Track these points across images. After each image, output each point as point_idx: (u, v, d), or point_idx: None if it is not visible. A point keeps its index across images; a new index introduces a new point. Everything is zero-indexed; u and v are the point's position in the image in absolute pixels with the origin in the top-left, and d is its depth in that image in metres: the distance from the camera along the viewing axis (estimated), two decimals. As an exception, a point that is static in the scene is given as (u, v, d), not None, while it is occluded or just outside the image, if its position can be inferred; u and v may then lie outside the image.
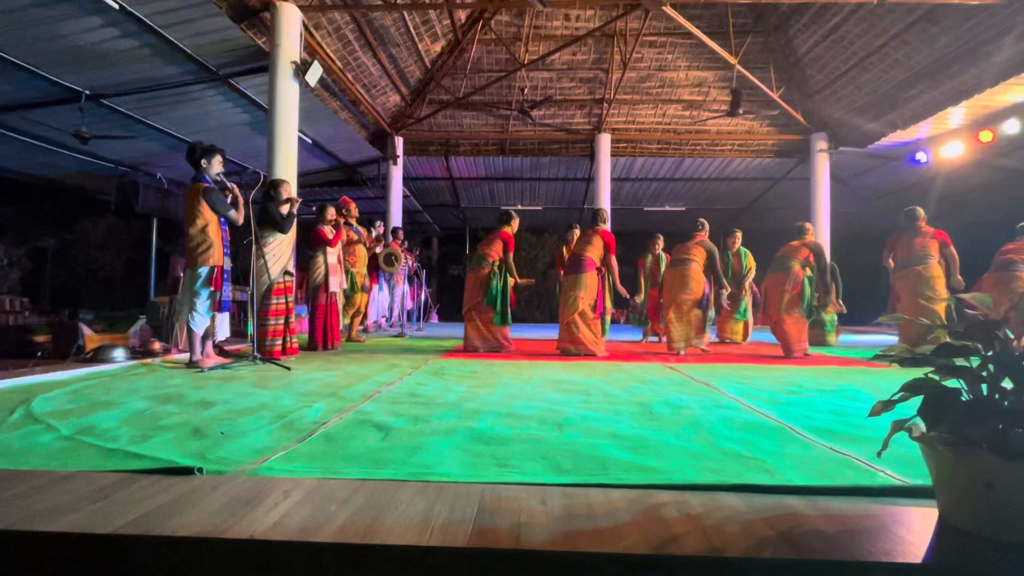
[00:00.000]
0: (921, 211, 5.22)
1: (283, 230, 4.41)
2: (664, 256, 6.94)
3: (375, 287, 7.82)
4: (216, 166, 3.83)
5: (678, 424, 2.15)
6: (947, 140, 9.04)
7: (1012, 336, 1.12)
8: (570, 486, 1.40)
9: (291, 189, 4.72)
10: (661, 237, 7.13)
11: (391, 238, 8.11)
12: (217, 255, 3.75)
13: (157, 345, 4.53)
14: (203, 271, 3.73)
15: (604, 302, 5.22)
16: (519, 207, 14.58)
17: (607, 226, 5.29)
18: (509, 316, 5.24)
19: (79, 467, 1.51)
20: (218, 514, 1.16)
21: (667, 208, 14.40)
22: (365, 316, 7.98)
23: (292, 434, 1.93)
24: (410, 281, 8.85)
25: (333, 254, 5.37)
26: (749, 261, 6.91)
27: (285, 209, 4.51)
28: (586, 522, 1.15)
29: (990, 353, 1.11)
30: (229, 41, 6.28)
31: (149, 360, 4.17)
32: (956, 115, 8.37)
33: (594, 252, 5.04)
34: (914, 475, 1.47)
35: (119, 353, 4.07)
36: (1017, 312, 1.17)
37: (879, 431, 1.66)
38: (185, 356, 4.03)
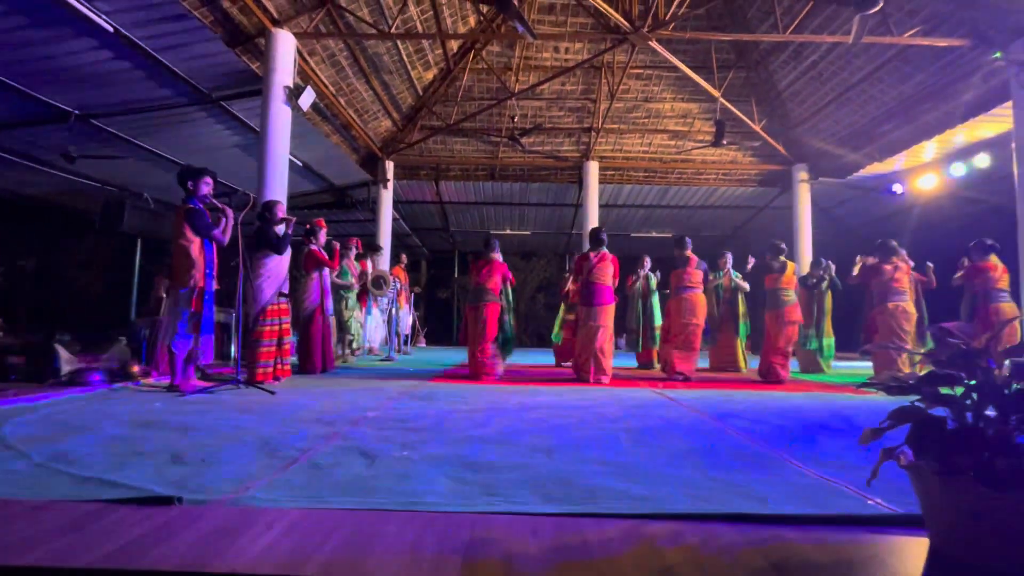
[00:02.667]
0: (895, 245, 5.38)
1: (279, 251, 4.38)
2: (652, 276, 7.03)
3: (363, 310, 7.77)
4: (205, 188, 3.83)
5: (669, 451, 2.14)
6: (922, 173, 9.38)
7: (995, 365, 1.15)
8: (562, 516, 1.37)
9: (284, 209, 4.72)
10: (648, 258, 7.21)
11: (394, 262, 8.09)
12: (198, 276, 3.71)
13: (137, 368, 4.41)
14: (184, 291, 3.68)
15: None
16: (508, 231, 14.69)
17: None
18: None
19: (51, 496, 1.45)
20: (198, 546, 1.12)
21: (654, 234, 14.60)
22: (355, 339, 7.91)
23: (276, 461, 1.88)
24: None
25: (327, 276, 5.35)
26: (740, 283, 6.97)
27: (281, 229, 4.50)
28: (579, 553, 1.13)
29: (973, 382, 1.13)
30: (223, 65, 6.34)
31: (128, 383, 4.06)
32: (929, 149, 8.71)
33: (609, 279, 5.06)
34: (905, 503, 1.47)
35: (97, 376, 3.95)
36: (998, 341, 1.20)
37: (870, 458, 1.67)
38: (166, 380, 3.93)
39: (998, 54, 6.16)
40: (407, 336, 9.12)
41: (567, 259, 16.19)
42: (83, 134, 7.39)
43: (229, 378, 3.94)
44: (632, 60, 9.20)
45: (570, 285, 6.71)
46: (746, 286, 6.84)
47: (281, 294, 4.40)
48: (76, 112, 6.90)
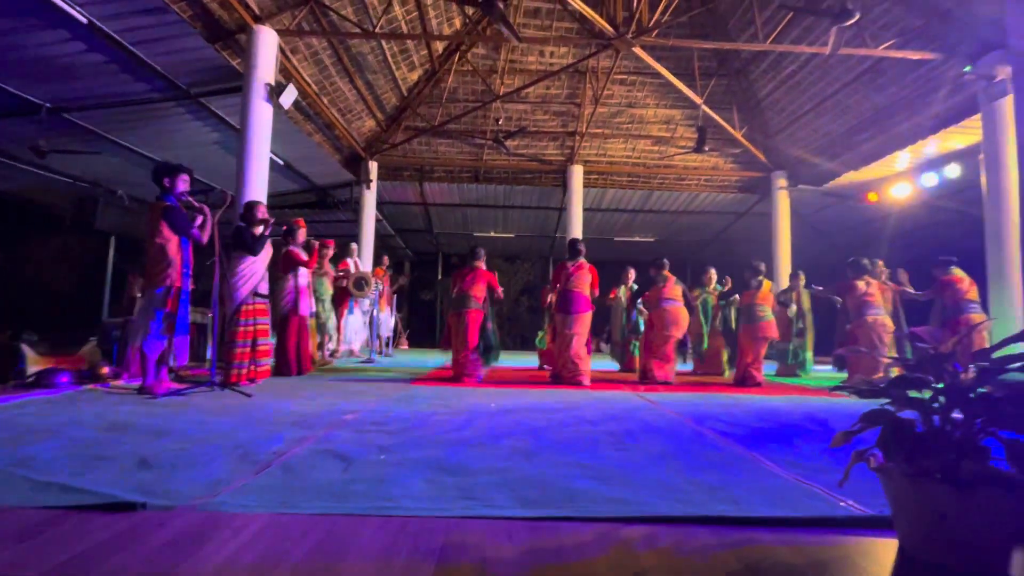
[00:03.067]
0: (865, 263, 5.53)
1: (253, 252, 4.29)
2: (636, 288, 7.07)
3: (345, 312, 7.67)
4: (182, 185, 3.74)
5: (648, 454, 2.15)
6: (895, 182, 9.63)
7: (961, 369, 1.17)
8: (538, 520, 1.36)
9: (264, 209, 4.63)
10: (632, 270, 7.26)
11: (371, 264, 8.02)
12: (175, 275, 3.62)
13: (107, 369, 4.28)
14: (159, 291, 3.59)
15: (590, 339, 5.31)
16: (492, 234, 14.68)
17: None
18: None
19: (8, 502, 1.39)
20: (161, 553, 1.08)
21: (637, 239, 14.74)
22: (337, 341, 7.80)
23: (248, 466, 1.83)
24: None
25: (305, 276, 5.25)
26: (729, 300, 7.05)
27: (259, 231, 4.41)
28: (553, 557, 1.12)
29: (941, 385, 1.15)
30: (202, 60, 6.22)
31: (97, 385, 3.93)
32: (903, 159, 8.95)
33: (587, 288, 5.11)
34: (876, 505, 1.49)
35: (64, 378, 3.83)
36: (965, 346, 1.23)
37: (843, 460, 1.70)
38: (137, 382, 3.82)
39: (968, 68, 6.37)
40: (389, 338, 9.03)
41: (551, 262, 16.28)
42: (54, 128, 7.18)
43: (204, 380, 3.85)
44: (616, 66, 9.28)
45: (551, 297, 6.76)
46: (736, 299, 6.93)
47: (257, 294, 4.32)
48: (47, 105, 6.70)
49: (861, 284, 5.35)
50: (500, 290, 5.31)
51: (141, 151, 8.28)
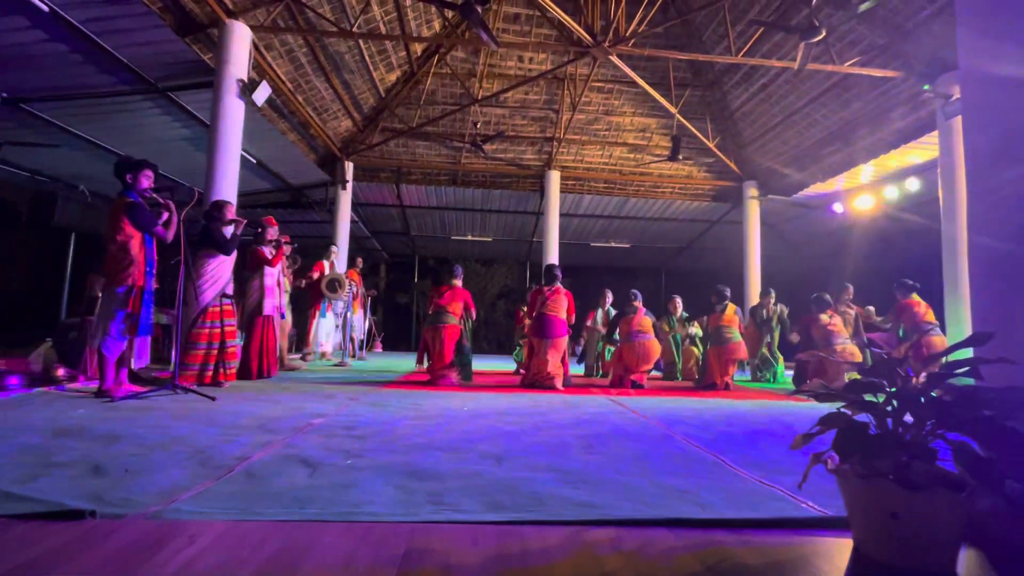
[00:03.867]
0: (827, 298, 5.74)
1: (226, 252, 4.19)
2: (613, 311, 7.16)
3: (317, 314, 7.53)
4: (145, 181, 3.62)
5: (617, 458, 2.16)
6: (859, 193, 10.00)
7: (913, 374, 1.22)
8: (504, 524, 1.36)
9: (234, 210, 4.52)
10: (610, 292, 7.35)
11: (346, 266, 7.90)
12: (138, 274, 3.50)
13: (61, 371, 4.10)
14: (121, 291, 3.46)
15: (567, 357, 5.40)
16: (469, 237, 14.65)
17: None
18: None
19: (-56, 512, 1.32)
20: (110, 563, 1.04)
21: (613, 244, 14.91)
22: (306, 343, 7.65)
23: (209, 471, 1.77)
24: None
25: (271, 276, 5.14)
26: (695, 328, 7.21)
27: (229, 231, 4.31)
28: (519, 561, 1.12)
29: (894, 389, 1.20)
30: (171, 54, 6.04)
31: (51, 388, 3.76)
32: (867, 171, 9.30)
33: (563, 312, 5.20)
34: (835, 506, 1.53)
35: (14, 380, 3.65)
36: (916, 352, 1.28)
37: (805, 463, 1.74)
38: (94, 384, 3.67)
39: (926, 87, 6.66)
40: (362, 341, 8.90)
41: (528, 267, 16.33)
42: (11, 119, 6.87)
43: (165, 382, 3.72)
44: (594, 73, 9.40)
45: (526, 321, 6.86)
46: (699, 331, 7.07)
47: (224, 295, 4.21)
48: (3, 95, 6.41)
49: (824, 317, 5.59)
50: (475, 310, 5.36)
51: (105, 145, 7.99)
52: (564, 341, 5.15)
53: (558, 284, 5.32)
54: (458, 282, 5.25)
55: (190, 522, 1.30)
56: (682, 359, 6.99)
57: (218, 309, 4.17)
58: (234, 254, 4.33)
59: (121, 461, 1.86)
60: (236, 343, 4.34)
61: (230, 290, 4.28)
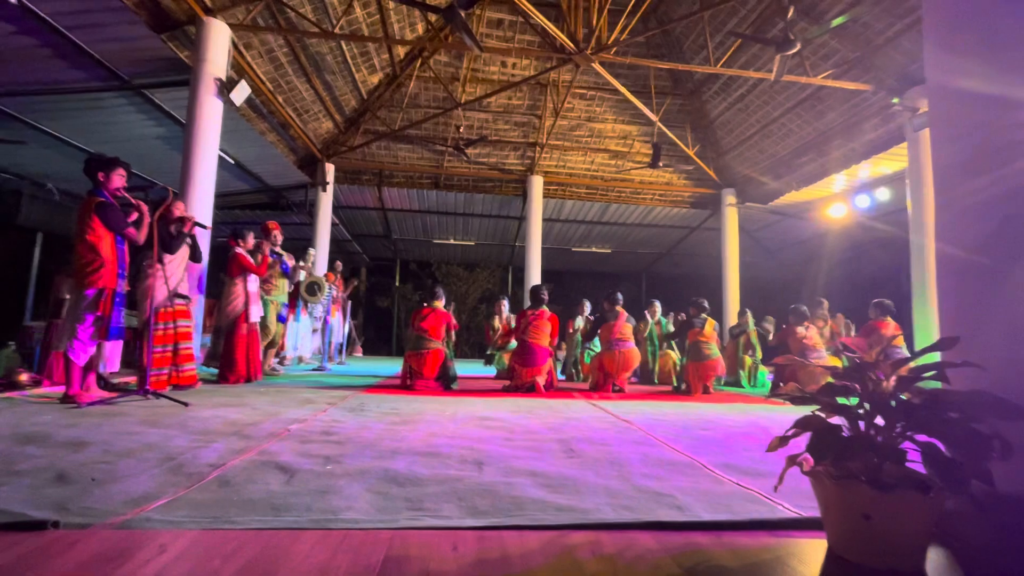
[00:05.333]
0: (804, 310, 5.87)
1: (170, 250, 4.03)
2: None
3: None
4: (117, 180, 3.51)
5: (597, 461, 2.17)
6: (832, 202, 10.29)
7: (884, 378, 1.25)
8: (484, 529, 1.35)
9: (184, 207, 4.35)
10: (587, 302, 7.41)
11: (323, 269, 7.80)
12: (109, 276, 3.39)
13: (25, 376, 3.94)
14: (90, 293, 3.35)
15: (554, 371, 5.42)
16: (452, 241, 14.61)
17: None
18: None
19: None
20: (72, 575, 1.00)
21: (594, 249, 15.03)
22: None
23: (180, 479, 1.72)
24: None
25: (255, 281, 5.04)
26: (668, 326, 7.32)
27: (176, 228, 4.16)
28: (498, 567, 1.11)
29: (865, 393, 1.23)
30: (146, 50, 5.91)
31: (13, 394, 3.62)
32: (840, 181, 9.58)
33: (546, 339, 5.21)
34: (809, 507, 1.56)
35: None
36: (887, 357, 1.31)
37: (781, 465, 1.77)
38: (59, 389, 3.54)
39: (895, 100, 6.90)
40: (342, 345, 8.78)
41: (510, 271, 16.35)
42: (-26, 114, 6.63)
43: (136, 387, 3.61)
44: (576, 80, 9.50)
45: (501, 331, 6.89)
46: (672, 329, 7.19)
47: (178, 295, 4.09)
48: (-33, 89, 6.18)
49: (801, 330, 5.71)
50: (456, 327, 5.40)
51: (75, 142, 7.76)
52: (547, 366, 5.18)
53: (543, 307, 5.32)
54: (440, 304, 5.26)
55: (159, 532, 1.25)
56: (659, 362, 7.06)
57: (171, 310, 4.05)
58: (183, 253, 4.20)
59: (87, 469, 1.79)
60: (190, 345, 4.21)
61: (183, 290, 4.16)
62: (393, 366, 8.50)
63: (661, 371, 7.06)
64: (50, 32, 5.34)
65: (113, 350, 3.56)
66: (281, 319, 6.13)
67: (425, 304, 5.27)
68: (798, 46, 6.08)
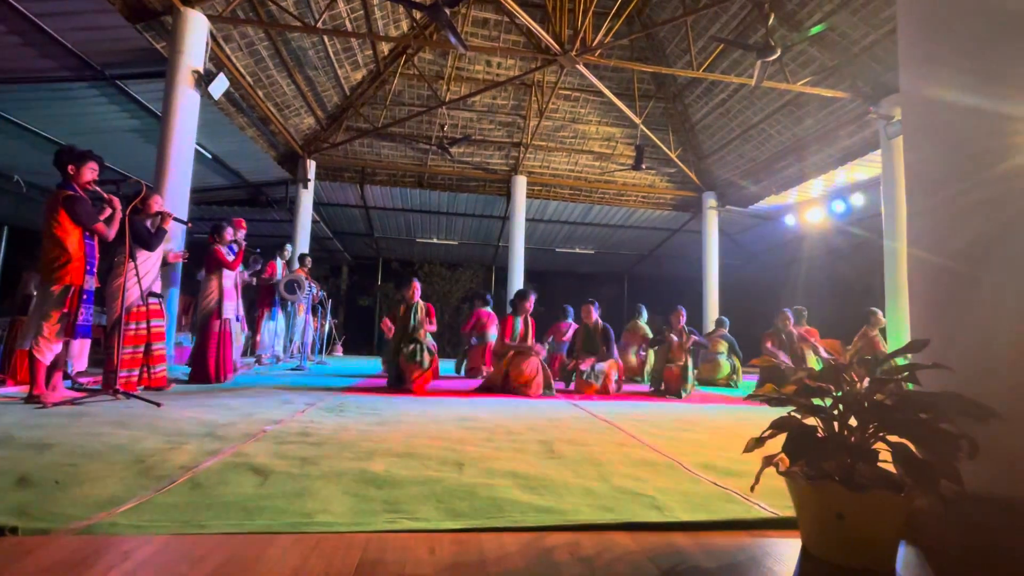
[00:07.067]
0: (789, 314, 6.00)
1: (150, 247, 3.93)
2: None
3: (266, 316, 7.28)
4: (88, 173, 3.40)
5: (577, 462, 2.17)
6: (810, 207, 10.50)
7: (856, 379, 1.27)
8: (462, 532, 1.33)
9: (161, 202, 4.24)
10: (571, 310, 7.43)
11: (296, 264, 7.65)
12: (76, 273, 3.28)
13: (-13, 376, 3.79)
14: (57, 290, 3.23)
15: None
16: (435, 240, 14.54)
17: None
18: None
19: None
20: (29, 585, 0.95)
21: (577, 250, 15.10)
22: (256, 345, 7.37)
23: (150, 482, 1.67)
24: (314, 311, 8.32)
25: (230, 278, 4.93)
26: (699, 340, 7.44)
27: (154, 224, 4.05)
28: (475, 570, 1.10)
29: (839, 394, 1.25)
30: (120, 41, 5.74)
31: (-26, 393, 3.48)
32: (817, 185, 9.78)
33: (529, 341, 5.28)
34: (784, 507, 1.58)
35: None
36: (859, 359, 1.33)
37: (756, 465, 1.79)
38: (24, 389, 3.41)
39: (871, 108, 7.07)
40: (314, 342, 8.62)
41: (493, 271, 16.31)
42: (-64, 102, 6.37)
43: (101, 388, 3.50)
44: (561, 81, 9.53)
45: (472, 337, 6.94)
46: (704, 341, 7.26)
47: (152, 294, 3.98)
48: (-72, 76, 5.93)
49: (770, 343, 5.88)
50: (434, 326, 5.32)
51: (44, 134, 7.50)
52: (543, 374, 5.15)
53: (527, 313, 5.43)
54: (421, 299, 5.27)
55: (125, 537, 1.21)
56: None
57: (145, 309, 3.94)
58: (160, 250, 4.09)
59: (51, 471, 1.73)
60: (162, 346, 4.11)
61: (157, 288, 4.05)
62: (373, 365, 8.41)
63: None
64: (19, 19, 5.15)
65: (81, 348, 3.44)
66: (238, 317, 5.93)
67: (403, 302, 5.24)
68: (778, 52, 6.19)
